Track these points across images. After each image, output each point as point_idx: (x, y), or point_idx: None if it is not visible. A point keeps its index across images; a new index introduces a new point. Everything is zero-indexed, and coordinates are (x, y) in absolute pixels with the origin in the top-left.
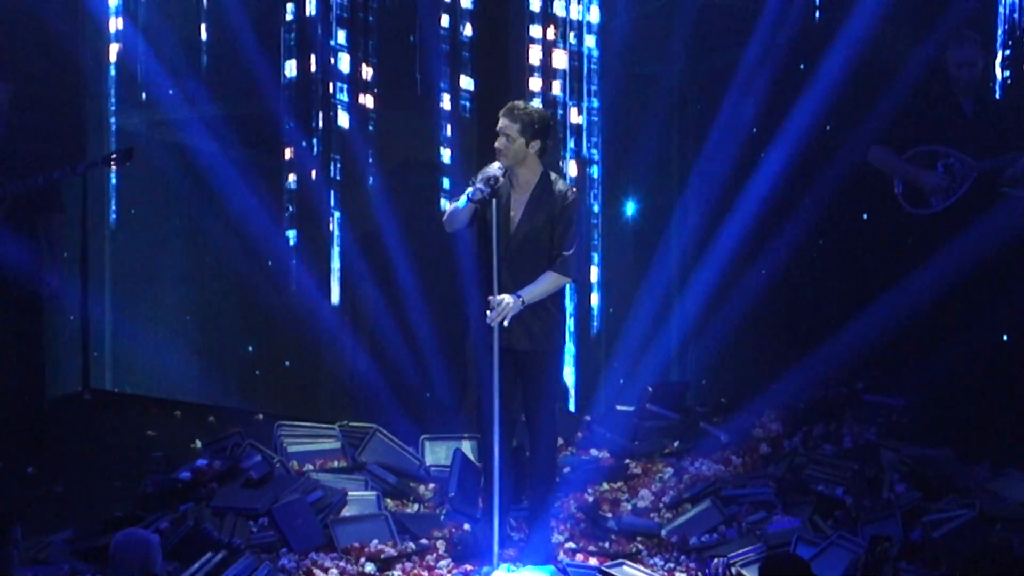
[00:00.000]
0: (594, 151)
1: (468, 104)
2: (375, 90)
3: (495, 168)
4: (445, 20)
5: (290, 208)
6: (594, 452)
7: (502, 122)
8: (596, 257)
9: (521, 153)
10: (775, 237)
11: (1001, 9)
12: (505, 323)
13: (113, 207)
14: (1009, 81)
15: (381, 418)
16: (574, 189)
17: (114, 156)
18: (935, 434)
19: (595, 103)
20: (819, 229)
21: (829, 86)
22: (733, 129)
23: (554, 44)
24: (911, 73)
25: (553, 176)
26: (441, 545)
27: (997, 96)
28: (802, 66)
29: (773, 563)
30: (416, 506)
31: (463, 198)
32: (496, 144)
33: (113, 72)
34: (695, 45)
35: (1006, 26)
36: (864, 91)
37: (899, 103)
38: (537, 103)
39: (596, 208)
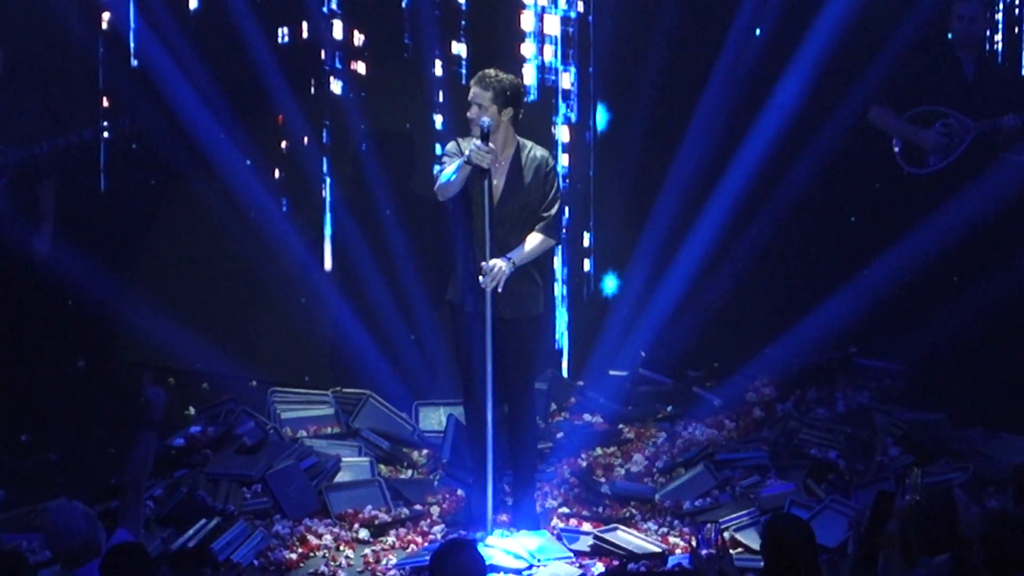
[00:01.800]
0: (587, 116)
1: (460, 70)
2: (367, 56)
3: (486, 146)
4: None
5: (282, 174)
6: (587, 417)
7: (473, 91)
8: (590, 222)
9: (494, 121)
10: (769, 200)
11: None
12: (499, 288)
13: (104, 174)
14: (1000, 43)
15: (374, 384)
16: (550, 154)
17: (122, 127)
18: (928, 398)
19: (589, 68)
20: (815, 191)
21: (825, 46)
22: (728, 91)
23: (545, 9)
24: (911, 31)
25: (528, 143)
26: (435, 511)
27: (998, 55)
28: (796, 25)
29: (778, 524)
30: (410, 472)
31: (454, 164)
32: (468, 113)
33: (104, 39)
34: (689, 6)
35: None
36: (863, 50)
37: (899, 62)
38: (536, 68)
39: (590, 173)
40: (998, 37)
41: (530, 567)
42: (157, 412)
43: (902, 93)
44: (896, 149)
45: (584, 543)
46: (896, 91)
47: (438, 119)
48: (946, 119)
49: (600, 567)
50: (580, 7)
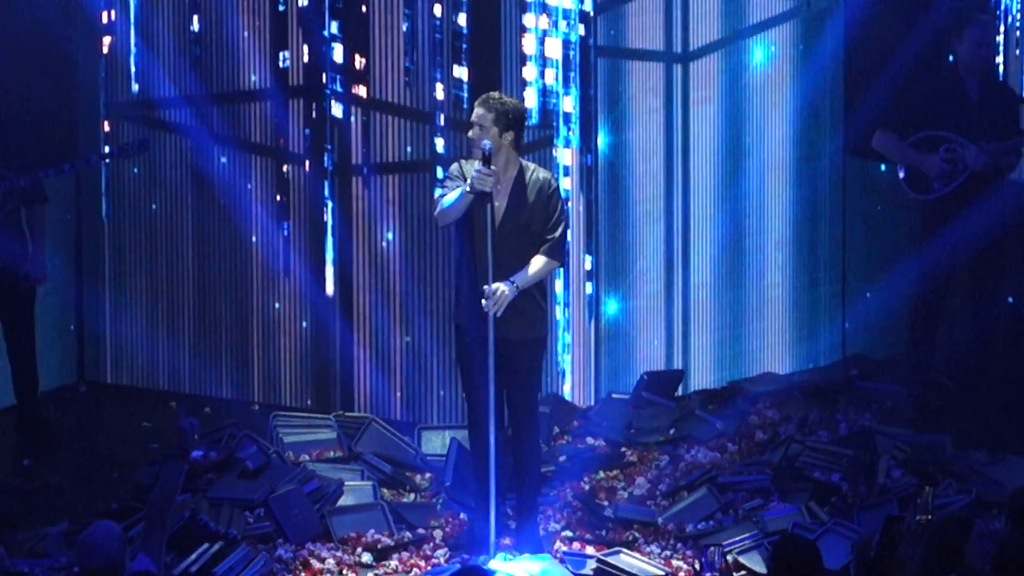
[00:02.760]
0: (589, 139)
1: (462, 93)
2: (368, 80)
3: (487, 169)
4: (438, 10)
5: (284, 198)
6: (590, 440)
7: (476, 112)
8: (592, 245)
9: (495, 144)
10: (773, 221)
11: None
12: (499, 313)
13: (105, 199)
14: (1002, 65)
15: (377, 408)
16: (554, 176)
17: (129, 145)
18: (931, 420)
19: (591, 90)
20: (819, 213)
21: (827, 67)
22: (730, 111)
23: (547, 32)
24: (912, 55)
25: (531, 165)
26: (438, 535)
27: (998, 77)
28: (801, 47)
29: (785, 544)
30: (412, 496)
31: (456, 192)
32: (469, 134)
33: (105, 63)
34: (688, 25)
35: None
36: (865, 74)
37: (903, 86)
38: (537, 91)
39: (592, 197)
40: (999, 59)
41: None
42: (189, 442)
43: (907, 117)
44: (901, 175)
45: (588, 567)
46: (901, 116)
47: (439, 143)
48: (949, 144)
49: None
50: (581, 30)
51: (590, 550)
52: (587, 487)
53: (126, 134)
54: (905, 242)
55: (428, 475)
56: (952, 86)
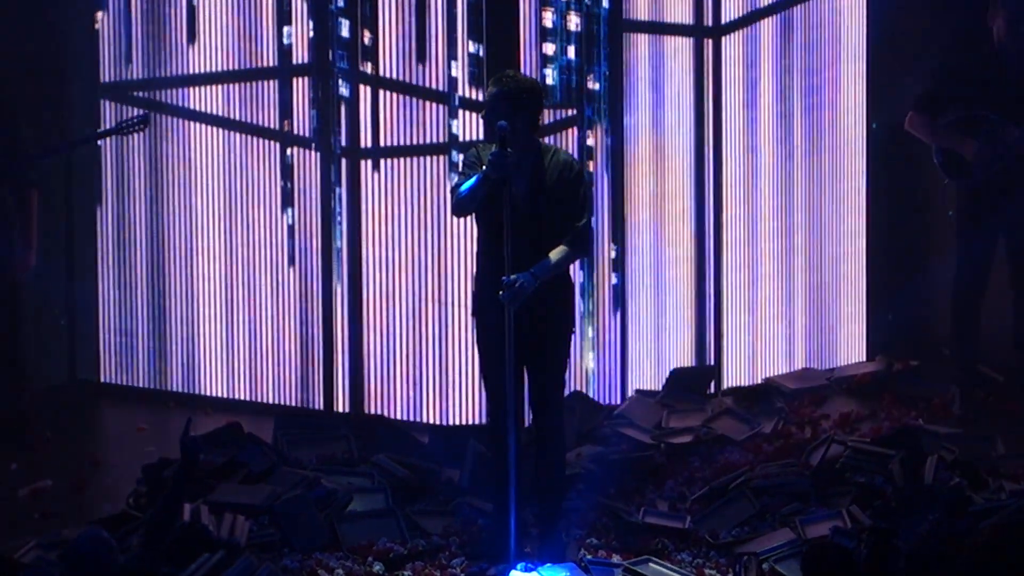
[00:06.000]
0: (616, 119)
1: (478, 71)
2: (377, 57)
3: (504, 151)
4: None
5: (288, 184)
6: (616, 441)
7: (489, 91)
8: (618, 233)
9: (511, 125)
10: (808, 206)
11: None
12: (516, 306)
13: (99, 183)
14: None
15: (389, 408)
16: (577, 159)
17: (129, 122)
18: (981, 417)
19: (619, 67)
20: (860, 196)
21: (870, 41)
22: (763, 89)
23: (568, 6)
24: (949, 32)
25: (552, 147)
26: (454, 542)
27: None
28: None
29: (816, 554)
30: (427, 501)
31: (471, 180)
32: (482, 114)
33: (99, 40)
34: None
35: None
36: (900, 53)
37: (937, 64)
38: (559, 68)
39: (615, 180)
40: None
41: None
42: (193, 459)
43: (940, 98)
44: (936, 160)
45: None
46: (934, 96)
47: (455, 123)
48: (987, 125)
49: None
50: (606, 2)
51: (616, 558)
52: (614, 491)
53: (120, 115)
54: (949, 227)
55: (444, 479)
56: (989, 63)
